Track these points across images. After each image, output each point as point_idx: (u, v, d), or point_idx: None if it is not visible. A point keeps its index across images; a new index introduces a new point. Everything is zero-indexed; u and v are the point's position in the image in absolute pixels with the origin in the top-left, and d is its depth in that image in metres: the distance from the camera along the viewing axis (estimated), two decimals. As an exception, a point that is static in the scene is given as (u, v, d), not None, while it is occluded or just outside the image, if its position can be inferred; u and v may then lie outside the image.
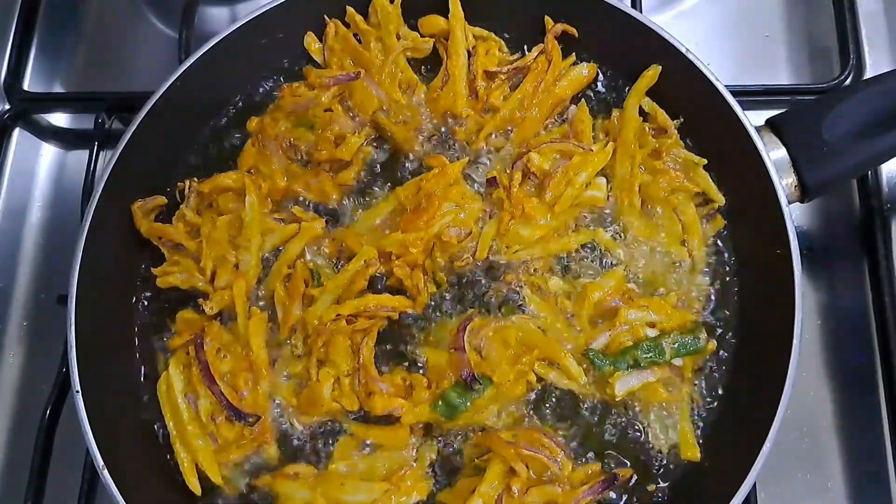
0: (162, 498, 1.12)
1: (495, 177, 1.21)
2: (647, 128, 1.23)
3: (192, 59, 1.23)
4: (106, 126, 1.40)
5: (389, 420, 1.12)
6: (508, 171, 1.21)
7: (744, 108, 1.16)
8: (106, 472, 1.05)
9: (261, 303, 1.19)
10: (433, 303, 1.18)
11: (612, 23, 1.24)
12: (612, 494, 1.09)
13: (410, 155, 1.26)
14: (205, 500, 1.13)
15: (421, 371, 1.15)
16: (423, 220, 1.16)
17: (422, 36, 1.30)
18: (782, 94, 1.37)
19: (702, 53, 1.20)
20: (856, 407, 1.24)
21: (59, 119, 1.51)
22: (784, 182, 1.12)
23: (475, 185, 1.23)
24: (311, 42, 1.32)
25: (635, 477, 1.11)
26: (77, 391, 1.08)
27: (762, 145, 1.13)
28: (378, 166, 1.27)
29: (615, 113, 1.25)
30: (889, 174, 1.33)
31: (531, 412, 1.13)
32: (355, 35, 1.30)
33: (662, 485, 1.11)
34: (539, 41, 1.27)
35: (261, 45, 1.29)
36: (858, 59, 1.38)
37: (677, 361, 1.13)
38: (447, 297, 1.19)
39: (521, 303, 1.17)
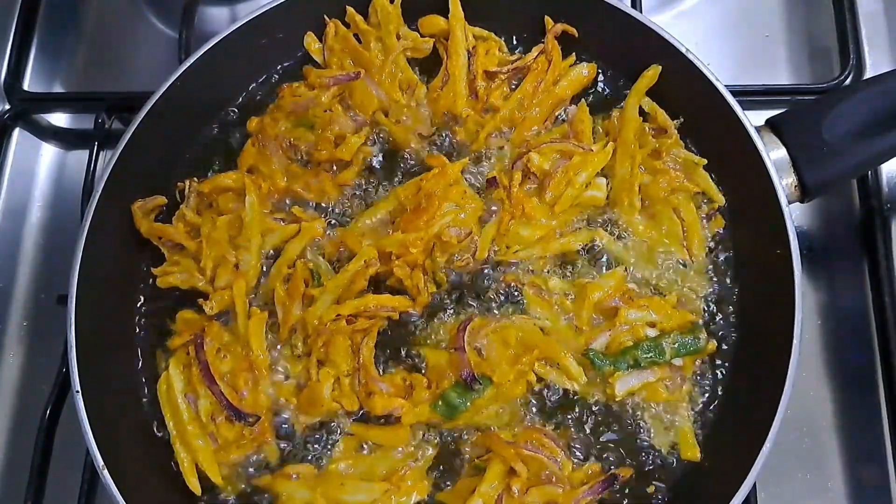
0: (162, 498, 1.12)
1: (495, 177, 1.21)
2: (647, 128, 1.23)
3: (192, 59, 1.23)
4: (106, 126, 1.40)
5: (389, 420, 1.12)
6: (508, 171, 1.21)
7: (744, 108, 1.16)
8: (106, 472, 1.05)
9: (259, 302, 1.19)
10: (433, 303, 1.18)
11: (612, 23, 1.24)
12: (612, 494, 1.09)
13: (410, 155, 1.26)
14: (205, 500, 1.13)
15: (421, 371, 1.15)
16: (423, 220, 1.16)
17: (422, 36, 1.30)
18: (782, 94, 1.37)
19: (702, 53, 1.20)
20: (856, 407, 1.24)
21: (59, 119, 1.51)
22: (784, 182, 1.12)
23: (475, 185, 1.23)
24: (311, 42, 1.32)
25: (635, 477, 1.11)
26: (77, 391, 1.08)
27: (762, 145, 1.13)
28: (378, 166, 1.27)
29: (615, 113, 1.25)
30: (889, 174, 1.33)
31: (531, 412, 1.13)
32: (355, 35, 1.30)
33: (662, 485, 1.11)
34: (539, 41, 1.27)
35: (261, 45, 1.30)
36: (858, 59, 1.38)
37: (677, 361, 1.13)
38: (447, 297, 1.19)
39: (521, 303, 1.17)
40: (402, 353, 1.17)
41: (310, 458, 1.13)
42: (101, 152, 1.37)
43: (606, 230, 1.21)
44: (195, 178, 1.25)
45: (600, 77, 1.29)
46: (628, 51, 1.24)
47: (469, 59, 1.25)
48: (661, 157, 1.20)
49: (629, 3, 1.38)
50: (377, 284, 1.18)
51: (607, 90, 1.29)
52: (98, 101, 1.43)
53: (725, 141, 1.17)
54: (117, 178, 1.18)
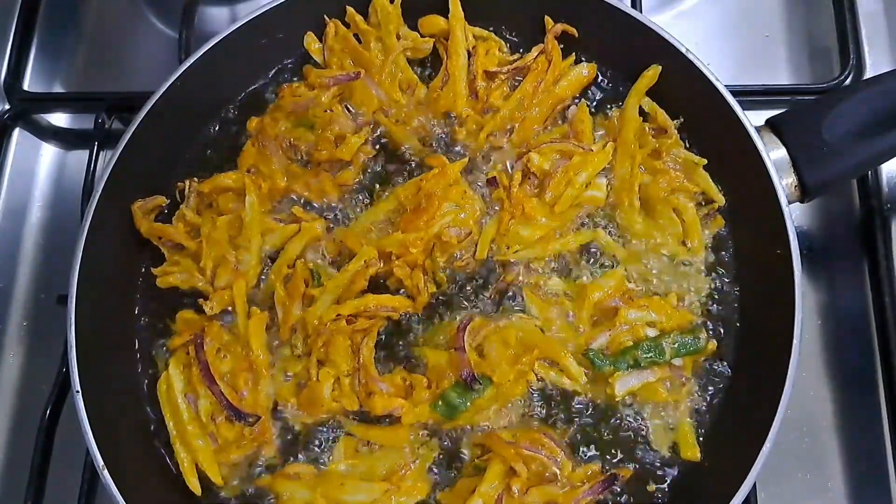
0: (162, 498, 1.12)
1: (495, 177, 1.21)
2: (647, 128, 1.23)
3: (192, 59, 1.23)
4: (106, 126, 1.40)
5: (389, 420, 1.12)
6: (508, 171, 1.21)
7: (744, 108, 1.16)
8: (106, 472, 1.05)
9: (259, 302, 1.19)
10: (433, 303, 1.18)
11: (612, 23, 1.24)
12: (612, 494, 1.09)
13: (410, 155, 1.26)
14: (205, 500, 1.13)
15: (421, 371, 1.15)
16: (423, 220, 1.16)
17: (422, 36, 1.30)
18: (782, 94, 1.37)
19: (702, 53, 1.20)
20: (856, 407, 1.24)
21: (59, 119, 1.51)
22: (784, 182, 1.12)
23: (475, 185, 1.23)
24: (311, 42, 1.32)
25: (635, 477, 1.11)
26: (77, 391, 1.08)
27: (762, 145, 1.13)
28: (378, 166, 1.27)
29: (615, 113, 1.25)
30: (889, 174, 1.33)
31: (531, 412, 1.13)
32: (355, 35, 1.30)
33: (662, 485, 1.11)
34: (539, 41, 1.27)
35: (261, 45, 1.30)
36: (858, 59, 1.38)
37: (677, 361, 1.13)
38: (447, 297, 1.19)
39: (521, 303, 1.17)
40: (402, 353, 1.17)
41: (310, 458, 1.13)
42: (101, 152, 1.37)
43: (606, 230, 1.21)
44: (195, 178, 1.25)
45: (600, 77, 1.29)
46: (628, 51, 1.24)
47: (469, 59, 1.26)
48: (661, 157, 1.20)
49: (629, 3, 1.38)
50: (377, 284, 1.18)
51: (607, 90, 1.29)
52: (98, 101, 1.43)
53: (725, 141, 1.17)
54: (117, 178, 1.18)
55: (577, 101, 1.27)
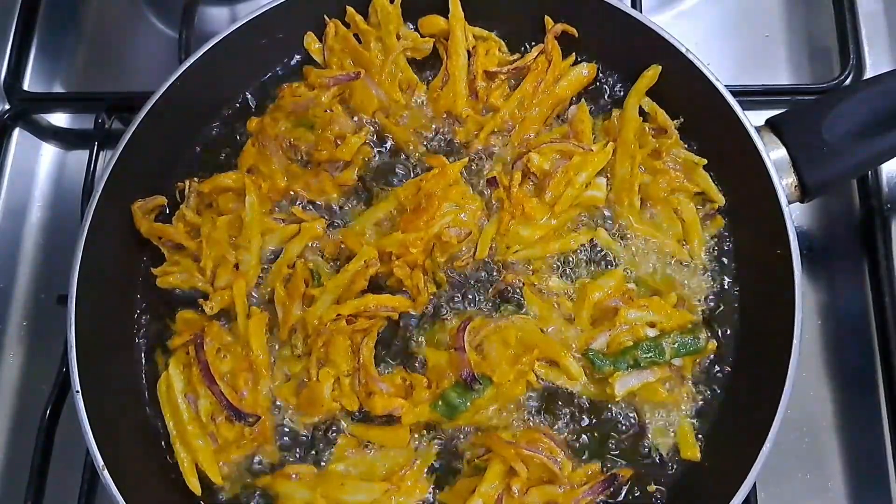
0: (162, 498, 1.12)
1: (495, 177, 1.21)
2: (647, 128, 1.23)
3: (192, 59, 1.23)
4: (106, 126, 1.40)
5: (389, 420, 1.12)
6: (508, 171, 1.21)
7: (744, 108, 1.16)
8: (106, 472, 1.05)
9: (260, 302, 1.19)
10: (433, 303, 1.18)
11: (612, 23, 1.24)
12: (612, 495, 1.09)
13: (410, 155, 1.26)
14: (205, 500, 1.13)
15: (421, 371, 1.15)
16: (423, 220, 1.16)
17: (422, 36, 1.30)
18: (782, 94, 1.37)
19: (702, 53, 1.20)
20: (856, 407, 1.24)
21: (59, 119, 1.51)
22: (784, 182, 1.12)
23: (475, 185, 1.23)
24: (311, 42, 1.32)
25: (635, 477, 1.11)
26: (77, 391, 1.08)
27: (762, 145, 1.13)
28: (378, 166, 1.27)
29: (615, 113, 1.25)
30: (889, 174, 1.33)
31: (531, 412, 1.13)
32: (355, 35, 1.30)
33: (662, 485, 1.11)
34: (539, 41, 1.27)
35: (261, 45, 1.30)
36: (858, 59, 1.38)
37: (677, 361, 1.13)
38: (447, 297, 1.19)
39: (521, 303, 1.17)
40: (402, 353, 1.17)
41: (310, 458, 1.13)
42: (101, 152, 1.37)
43: (606, 230, 1.21)
44: (195, 178, 1.25)
45: (600, 77, 1.29)
46: (628, 51, 1.24)
47: (469, 59, 1.26)
48: (661, 157, 1.20)
49: (629, 3, 1.38)
50: (377, 284, 1.18)
51: (607, 90, 1.29)
52: (98, 101, 1.43)
53: (725, 141, 1.17)
54: (117, 178, 1.18)
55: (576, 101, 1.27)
